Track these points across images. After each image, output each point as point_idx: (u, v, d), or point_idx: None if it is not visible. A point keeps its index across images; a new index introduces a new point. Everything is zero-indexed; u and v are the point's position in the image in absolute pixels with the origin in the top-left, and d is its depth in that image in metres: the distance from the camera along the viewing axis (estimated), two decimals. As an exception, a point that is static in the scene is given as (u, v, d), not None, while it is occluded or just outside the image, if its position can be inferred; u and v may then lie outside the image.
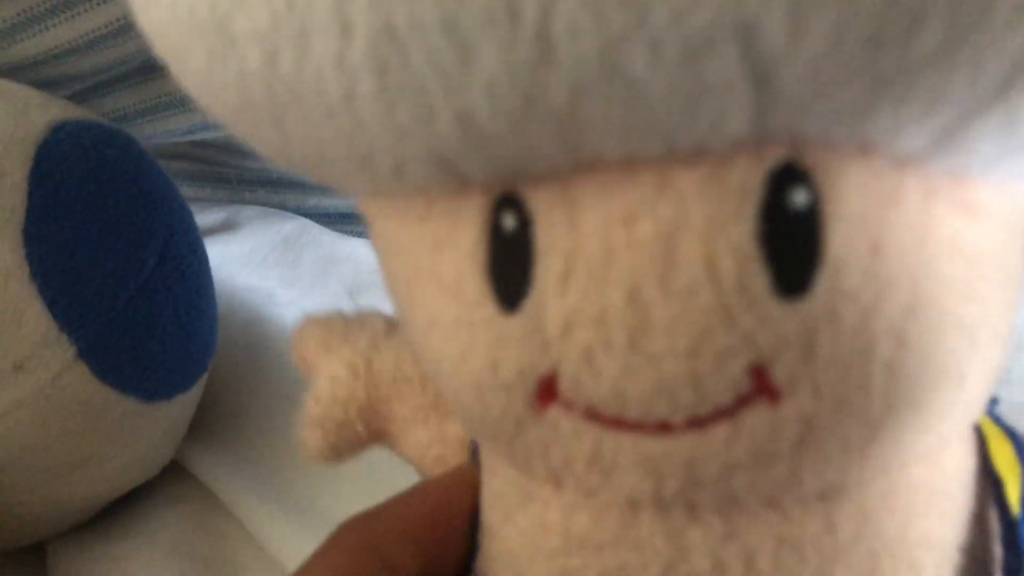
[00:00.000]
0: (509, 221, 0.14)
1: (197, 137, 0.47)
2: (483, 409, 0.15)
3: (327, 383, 0.22)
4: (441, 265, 0.15)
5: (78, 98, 0.45)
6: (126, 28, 0.38)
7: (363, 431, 0.22)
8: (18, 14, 0.36)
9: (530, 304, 0.14)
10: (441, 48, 0.11)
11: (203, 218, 0.55)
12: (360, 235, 0.55)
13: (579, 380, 0.14)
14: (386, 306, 0.57)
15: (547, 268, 0.13)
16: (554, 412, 0.14)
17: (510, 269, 0.14)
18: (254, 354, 0.46)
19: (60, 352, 0.32)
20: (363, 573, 0.17)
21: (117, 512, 0.41)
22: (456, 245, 0.14)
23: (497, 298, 0.14)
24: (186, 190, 0.56)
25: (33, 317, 0.31)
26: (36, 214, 0.31)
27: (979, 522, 0.17)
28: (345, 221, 0.56)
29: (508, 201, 0.14)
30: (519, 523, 0.17)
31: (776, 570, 0.15)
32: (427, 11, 0.11)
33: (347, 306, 0.50)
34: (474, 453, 0.21)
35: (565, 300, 0.13)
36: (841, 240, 0.12)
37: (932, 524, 0.16)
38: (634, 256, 0.13)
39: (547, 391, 0.14)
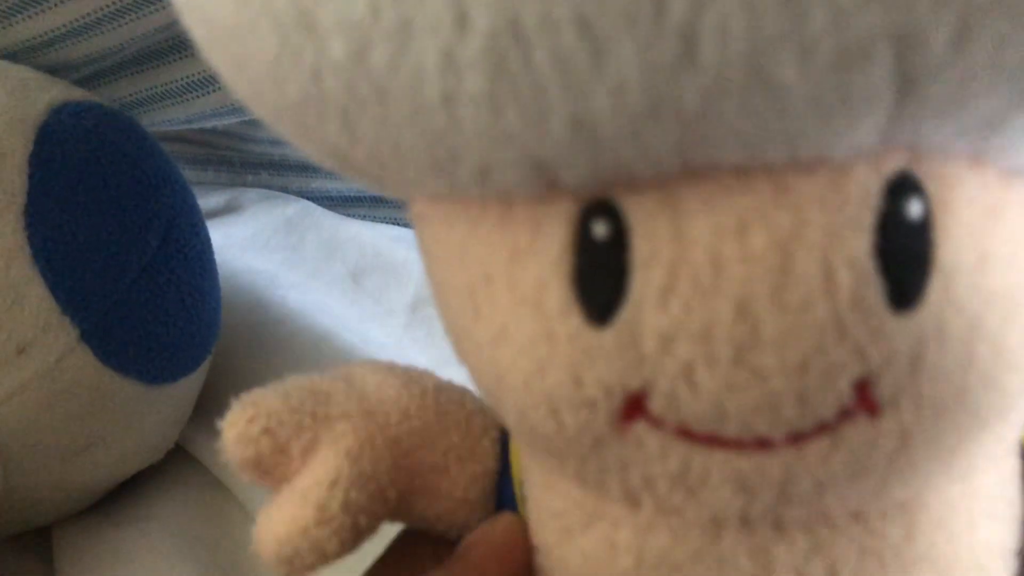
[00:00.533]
0: (601, 229, 0.13)
1: (197, 126, 0.46)
2: (557, 427, 0.14)
3: (339, 459, 0.18)
4: (519, 274, 0.14)
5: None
6: (122, 11, 0.38)
7: (393, 497, 0.19)
8: None
9: (623, 317, 0.13)
10: (571, 47, 0.10)
11: (205, 201, 0.54)
12: (363, 218, 0.55)
13: (674, 397, 0.13)
14: (387, 289, 0.56)
15: (646, 279, 0.13)
16: (639, 429, 0.14)
17: (600, 280, 0.13)
18: (257, 337, 0.46)
19: (63, 335, 0.32)
20: None
21: (122, 496, 0.41)
22: (539, 253, 0.13)
23: (584, 310, 0.13)
24: (188, 173, 0.56)
25: (35, 300, 0.31)
26: (37, 196, 0.31)
27: None
28: (348, 204, 0.56)
29: (600, 208, 0.13)
30: (581, 544, 0.17)
31: None
32: (561, 7, 0.10)
33: (351, 289, 0.50)
34: (501, 478, 0.20)
35: (666, 313, 0.13)
36: (952, 251, 0.12)
37: (995, 529, 0.16)
38: (746, 268, 0.12)
39: (633, 407, 0.14)
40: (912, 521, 0.15)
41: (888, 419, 0.13)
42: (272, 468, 0.19)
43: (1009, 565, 0.16)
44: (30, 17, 0.36)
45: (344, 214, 0.56)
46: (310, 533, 0.18)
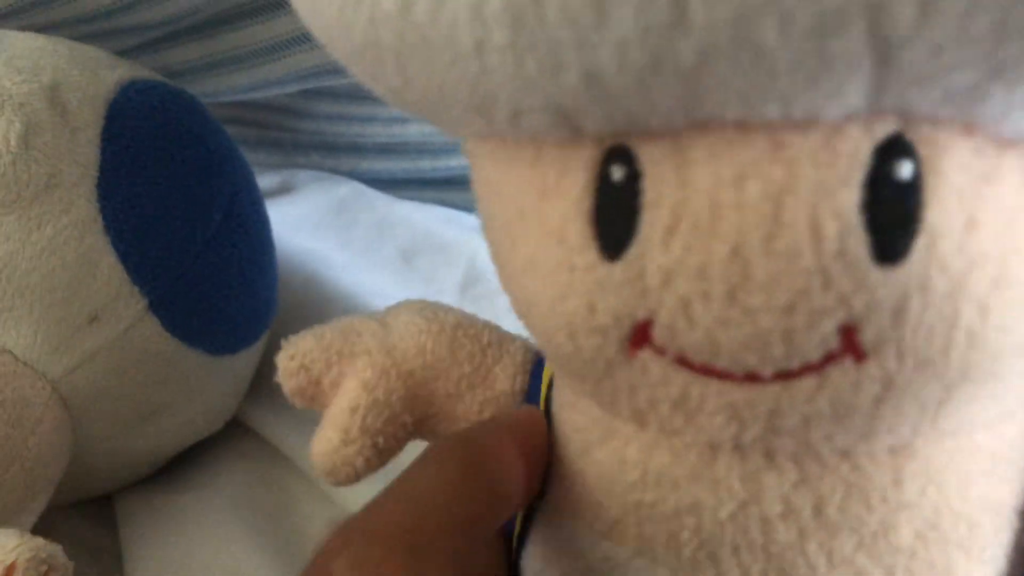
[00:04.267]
0: (618, 172, 0.14)
1: (260, 95, 0.47)
2: (575, 349, 0.16)
3: (358, 390, 0.22)
4: (547, 210, 0.15)
5: (144, 49, 0.46)
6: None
7: (410, 422, 0.22)
8: None
9: (632, 253, 0.14)
10: (577, 6, 0.12)
11: (259, 182, 0.55)
12: (413, 199, 0.56)
13: (674, 328, 0.14)
14: (437, 269, 0.56)
15: (653, 220, 0.14)
16: (645, 356, 0.15)
17: (615, 218, 0.14)
18: (311, 317, 0.47)
19: (132, 304, 0.33)
20: (472, 489, 0.18)
21: (182, 465, 0.42)
22: (563, 192, 0.15)
23: (600, 245, 0.15)
24: (240, 155, 0.57)
25: (107, 269, 0.32)
26: (109, 169, 0.32)
27: None
28: (397, 186, 0.56)
29: (618, 153, 0.14)
30: (597, 457, 0.18)
31: (843, 517, 0.16)
32: None
33: (402, 269, 0.51)
34: (528, 400, 0.23)
35: (668, 252, 0.14)
36: (940, 213, 0.13)
37: (992, 486, 0.16)
38: (741, 215, 0.13)
39: (640, 336, 0.15)
40: (900, 467, 0.16)
41: (872, 365, 0.14)
42: (313, 397, 0.23)
43: (1007, 522, 0.17)
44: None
45: (394, 195, 0.56)
46: (339, 451, 0.22)
